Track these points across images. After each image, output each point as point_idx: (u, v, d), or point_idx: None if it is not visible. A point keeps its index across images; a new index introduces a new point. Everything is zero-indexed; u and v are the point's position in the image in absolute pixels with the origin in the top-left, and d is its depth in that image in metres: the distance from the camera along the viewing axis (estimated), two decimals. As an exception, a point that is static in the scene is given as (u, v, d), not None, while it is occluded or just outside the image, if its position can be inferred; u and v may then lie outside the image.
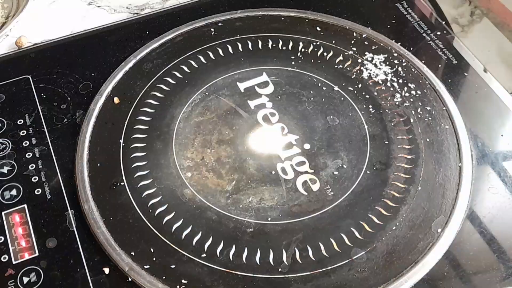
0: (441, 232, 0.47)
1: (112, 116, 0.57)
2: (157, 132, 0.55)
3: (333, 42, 0.63)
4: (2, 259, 0.47)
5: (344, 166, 0.52)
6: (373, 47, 0.63)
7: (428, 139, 0.54)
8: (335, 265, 0.46)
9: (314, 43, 0.63)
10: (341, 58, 0.61)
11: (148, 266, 0.46)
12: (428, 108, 0.57)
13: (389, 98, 0.57)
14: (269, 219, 0.49)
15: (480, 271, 0.46)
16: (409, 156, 0.53)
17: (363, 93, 0.58)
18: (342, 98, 0.58)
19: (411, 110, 0.56)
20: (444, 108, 0.56)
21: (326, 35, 0.64)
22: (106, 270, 0.46)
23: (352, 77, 0.60)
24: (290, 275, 0.45)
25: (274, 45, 0.63)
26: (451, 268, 0.46)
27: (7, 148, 0.54)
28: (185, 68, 0.61)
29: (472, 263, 0.47)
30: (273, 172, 0.52)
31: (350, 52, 0.62)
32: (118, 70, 0.60)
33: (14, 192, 0.51)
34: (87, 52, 0.64)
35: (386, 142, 0.54)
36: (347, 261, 0.46)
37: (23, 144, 0.54)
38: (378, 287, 0.45)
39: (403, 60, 0.61)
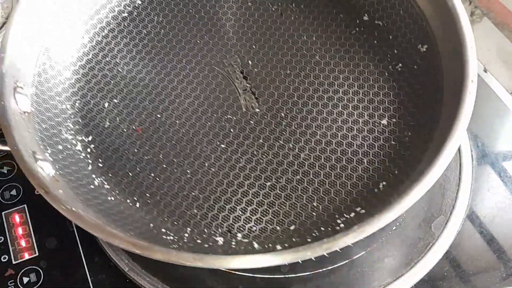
0: (441, 232, 0.47)
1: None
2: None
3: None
4: (2, 259, 0.47)
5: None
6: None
7: (428, 139, 0.54)
8: (335, 265, 0.46)
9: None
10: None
11: (148, 266, 0.46)
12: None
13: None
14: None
15: (480, 271, 0.46)
16: (409, 156, 0.53)
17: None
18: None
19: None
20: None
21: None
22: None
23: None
24: (290, 275, 0.45)
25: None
26: (451, 268, 0.46)
27: (7, 148, 0.54)
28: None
29: (472, 263, 0.47)
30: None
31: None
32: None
33: (14, 192, 0.51)
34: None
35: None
36: (347, 261, 0.46)
37: (23, 144, 0.54)
38: (378, 287, 0.45)
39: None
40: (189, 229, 0.42)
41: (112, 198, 0.43)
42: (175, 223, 0.42)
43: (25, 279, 0.46)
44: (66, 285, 0.46)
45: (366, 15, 0.52)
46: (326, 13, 0.53)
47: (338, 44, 0.51)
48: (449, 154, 0.37)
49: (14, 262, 0.47)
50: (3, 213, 0.50)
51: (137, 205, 0.43)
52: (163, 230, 0.42)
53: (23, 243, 0.48)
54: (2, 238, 0.48)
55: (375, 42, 0.51)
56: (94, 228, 0.36)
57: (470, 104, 0.40)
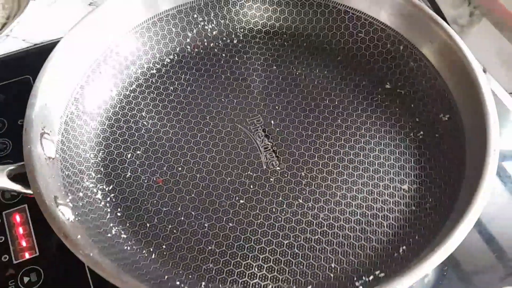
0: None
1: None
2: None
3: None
4: (2, 259, 0.46)
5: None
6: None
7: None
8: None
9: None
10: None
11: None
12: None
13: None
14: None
15: (480, 271, 0.45)
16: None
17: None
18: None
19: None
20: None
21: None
22: None
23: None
24: None
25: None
26: (451, 268, 0.45)
27: (8, 148, 0.54)
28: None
29: (472, 263, 0.46)
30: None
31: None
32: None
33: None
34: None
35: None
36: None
37: (24, 144, 0.54)
38: None
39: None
40: (203, 283, 0.41)
41: (128, 248, 0.43)
42: (190, 276, 0.42)
43: (26, 279, 0.45)
44: (66, 285, 0.45)
45: (388, 83, 0.54)
46: (349, 80, 0.55)
47: (360, 109, 0.52)
48: (469, 224, 0.37)
49: (14, 262, 0.46)
50: (3, 213, 0.49)
51: (153, 256, 0.43)
52: (178, 282, 0.41)
53: (23, 243, 0.47)
54: (3, 238, 0.48)
55: (397, 109, 0.52)
56: (112, 276, 0.35)
57: (491, 176, 0.40)
